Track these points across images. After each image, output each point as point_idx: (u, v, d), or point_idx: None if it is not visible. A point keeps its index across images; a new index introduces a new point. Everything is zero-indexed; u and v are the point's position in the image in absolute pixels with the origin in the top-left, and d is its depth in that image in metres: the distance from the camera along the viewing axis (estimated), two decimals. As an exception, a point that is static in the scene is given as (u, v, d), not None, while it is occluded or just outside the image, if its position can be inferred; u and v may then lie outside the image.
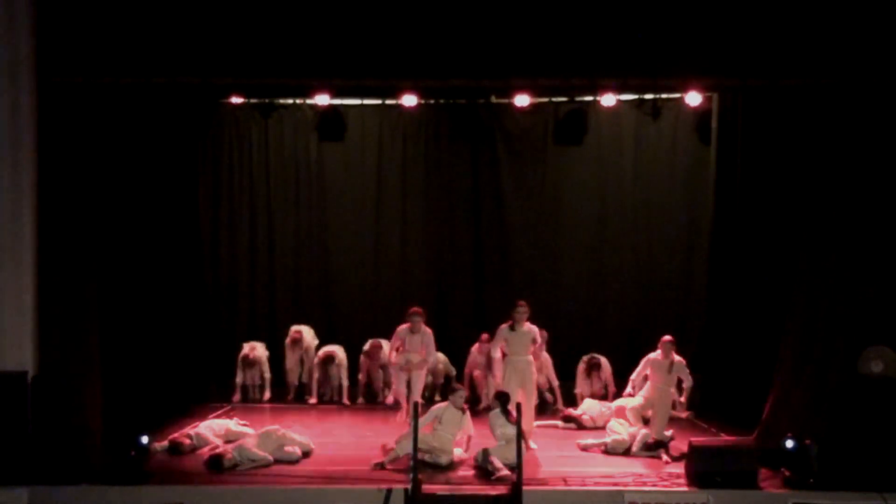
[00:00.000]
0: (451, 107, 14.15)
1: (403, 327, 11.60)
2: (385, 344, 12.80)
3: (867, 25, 9.77)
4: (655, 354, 10.99)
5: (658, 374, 10.89)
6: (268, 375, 13.67)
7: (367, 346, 13.40)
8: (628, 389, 11.54)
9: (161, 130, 12.39)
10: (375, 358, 13.31)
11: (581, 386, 13.02)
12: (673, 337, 10.99)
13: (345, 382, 13.47)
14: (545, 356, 12.59)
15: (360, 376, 13.46)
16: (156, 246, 12.21)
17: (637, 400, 11.12)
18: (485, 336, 12.77)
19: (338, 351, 13.55)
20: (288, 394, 13.73)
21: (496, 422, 9.96)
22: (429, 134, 14.89)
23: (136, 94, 11.04)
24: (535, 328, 11.06)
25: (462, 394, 10.33)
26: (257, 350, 13.70)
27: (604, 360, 13.10)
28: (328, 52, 10.08)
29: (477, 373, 13.00)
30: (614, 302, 13.81)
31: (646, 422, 11.50)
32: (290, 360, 13.69)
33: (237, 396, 13.52)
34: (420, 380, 11.67)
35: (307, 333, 13.85)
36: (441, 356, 13.08)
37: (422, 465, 9.32)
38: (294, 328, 13.81)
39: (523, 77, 10.73)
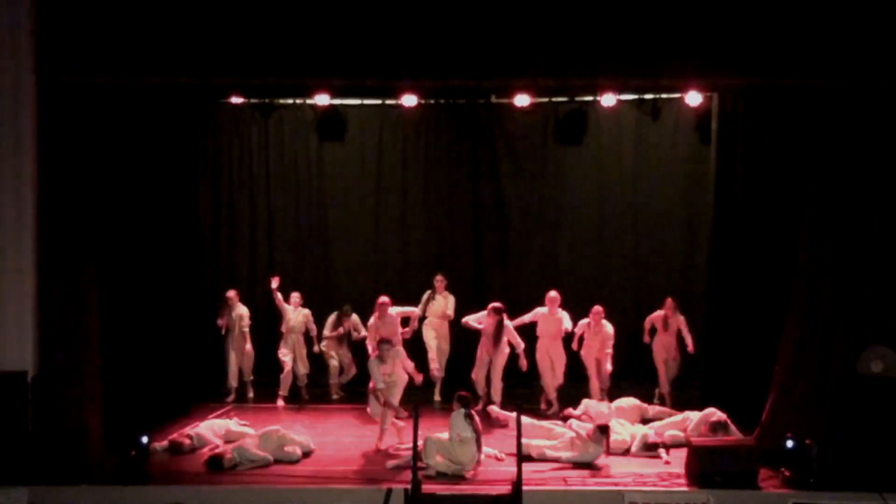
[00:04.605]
0: (451, 107, 14.15)
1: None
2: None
3: (867, 25, 9.77)
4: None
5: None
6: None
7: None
8: None
9: (161, 130, 12.38)
10: (384, 315, 12.89)
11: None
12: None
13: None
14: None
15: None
16: (156, 246, 12.20)
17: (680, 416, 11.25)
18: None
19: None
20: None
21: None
22: (429, 134, 14.87)
23: (136, 93, 11.05)
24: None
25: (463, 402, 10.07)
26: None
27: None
28: (328, 52, 10.08)
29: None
30: (614, 302, 13.77)
31: (645, 422, 11.58)
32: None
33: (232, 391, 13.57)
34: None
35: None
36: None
37: (445, 476, 9.40)
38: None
39: (523, 77, 10.73)
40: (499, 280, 14.60)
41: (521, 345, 12.49)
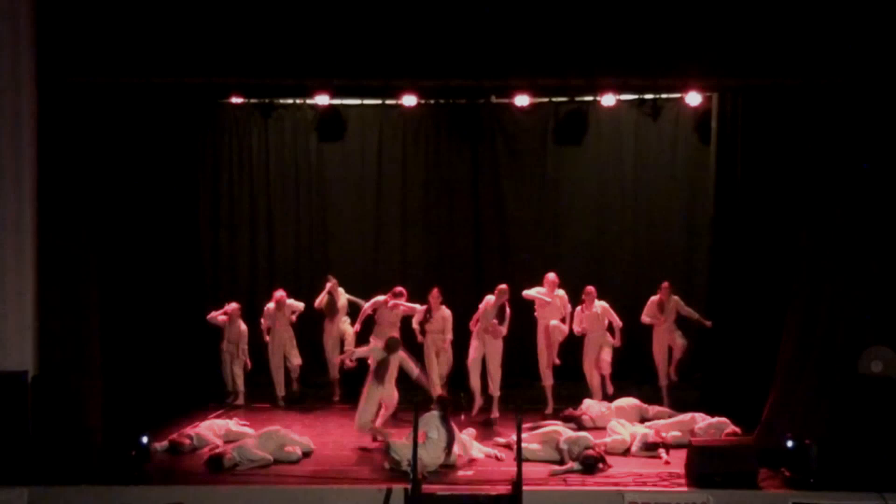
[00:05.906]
0: (451, 107, 14.14)
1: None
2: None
3: (867, 25, 9.78)
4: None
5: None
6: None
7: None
8: None
9: (161, 130, 12.40)
10: (395, 307, 12.82)
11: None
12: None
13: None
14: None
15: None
16: (156, 246, 12.22)
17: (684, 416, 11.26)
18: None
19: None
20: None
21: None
22: (429, 134, 14.87)
23: (136, 94, 11.06)
24: None
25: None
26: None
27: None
28: (328, 52, 10.09)
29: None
30: (614, 302, 13.76)
31: (644, 421, 11.58)
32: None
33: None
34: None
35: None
36: None
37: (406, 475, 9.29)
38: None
39: (523, 77, 10.74)
40: (499, 279, 14.54)
41: (504, 332, 12.39)
